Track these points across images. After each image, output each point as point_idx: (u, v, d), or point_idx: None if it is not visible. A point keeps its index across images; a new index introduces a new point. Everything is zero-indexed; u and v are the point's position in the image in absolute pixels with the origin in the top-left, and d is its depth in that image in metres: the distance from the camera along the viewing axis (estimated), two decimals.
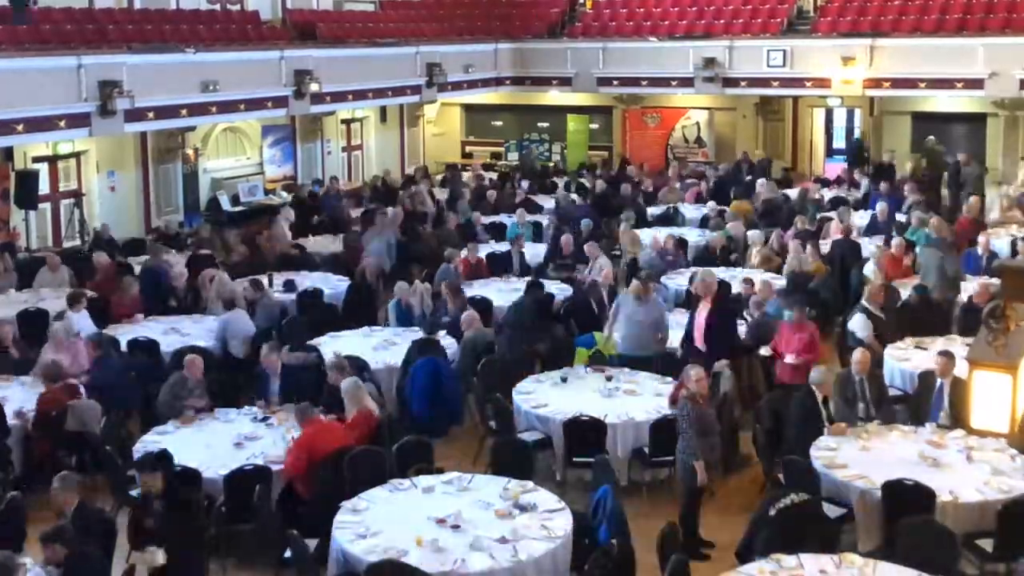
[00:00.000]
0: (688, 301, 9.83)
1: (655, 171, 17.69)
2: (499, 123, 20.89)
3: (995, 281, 9.13)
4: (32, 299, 10.30)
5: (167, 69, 12.85)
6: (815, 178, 16.82)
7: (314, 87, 14.60)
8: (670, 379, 7.58)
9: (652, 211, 14.64)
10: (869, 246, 11.44)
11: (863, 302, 8.75)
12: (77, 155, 13.69)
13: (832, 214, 13.12)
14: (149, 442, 6.87)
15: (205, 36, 14.48)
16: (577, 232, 11.97)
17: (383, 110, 18.74)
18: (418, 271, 11.04)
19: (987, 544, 5.76)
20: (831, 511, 6.04)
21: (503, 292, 10.50)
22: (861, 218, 13.34)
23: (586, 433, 6.95)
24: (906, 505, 5.78)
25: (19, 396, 7.71)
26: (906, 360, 8.25)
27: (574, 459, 7.07)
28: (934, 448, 6.53)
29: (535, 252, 12.02)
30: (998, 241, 11.75)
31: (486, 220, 13.79)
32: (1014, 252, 11.34)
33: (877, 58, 16.47)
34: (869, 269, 10.24)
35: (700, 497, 6.39)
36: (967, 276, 10.24)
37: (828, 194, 15.22)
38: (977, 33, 16.34)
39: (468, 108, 20.88)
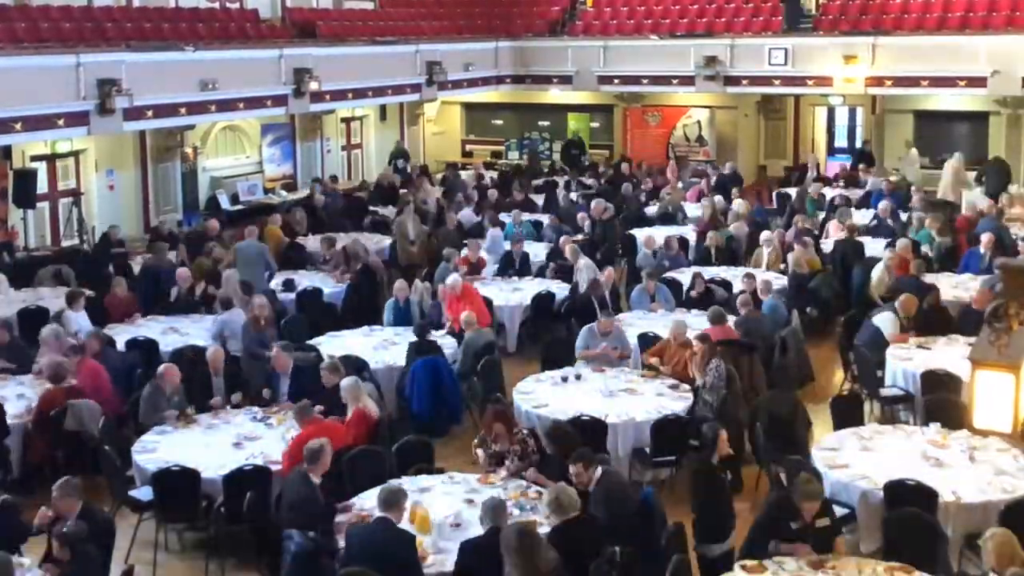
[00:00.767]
0: (688, 301, 9.82)
1: (656, 170, 17.63)
2: (499, 122, 20.86)
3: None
4: (32, 298, 10.28)
5: (166, 67, 12.83)
6: (816, 176, 16.77)
7: (313, 85, 14.57)
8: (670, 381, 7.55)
9: (652, 210, 14.61)
10: (872, 245, 11.41)
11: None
12: (76, 154, 13.67)
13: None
14: (148, 442, 6.84)
15: (204, 34, 14.45)
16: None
17: (383, 109, 18.71)
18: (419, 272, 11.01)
19: None
20: (836, 512, 5.94)
21: (503, 292, 10.49)
22: (863, 217, 13.32)
23: (587, 433, 6.90)
24: (908, 505, 5.74)
25: (17, 396, 7.67)
26: (908, 360, 8.22)
27: None
28: (936, 448, 6.50)
29: (535, 252, 11.98)
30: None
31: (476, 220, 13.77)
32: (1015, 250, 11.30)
33: (879, 56, 16.42)
34: (878, 271, 10.17)
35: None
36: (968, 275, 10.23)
37: (829, 193, 15.20)
38: (980, 31, 16.30)
39: (468, 107, 20.84)
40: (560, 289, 10.42)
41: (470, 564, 5.11)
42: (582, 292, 9.77)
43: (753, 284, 9.43)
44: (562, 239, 11.61)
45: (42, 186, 13.01)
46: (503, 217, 13.82)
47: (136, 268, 11.26)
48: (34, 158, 13.02)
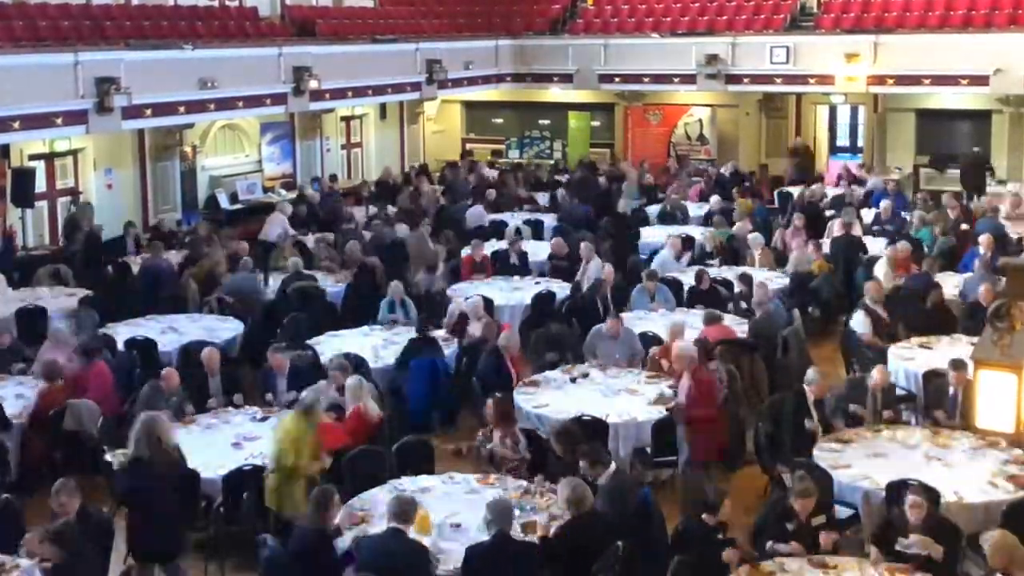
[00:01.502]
0: (691, 300, 9.77)
1: (657, 169, 17.58)
2: (500, 120, 20.79)
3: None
4: (30, 297, 10.24)
5: (165, 66, 12.78)
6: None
7: (313, 84, 14.51)
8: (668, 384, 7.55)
9: (653, 209, 14.57)
10: (875, 245, 11.37)
11: (864, 299, 8.68)
12: (74, 152, 13.61)
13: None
14: None
15: (203, 32, 14.42)
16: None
17: (383, 107, 18.64)
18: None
19: None
20: (840, 512, 5.98)
21: (504, 291, 10.44)
22: (865, 216, 13.30)
23: (588, 433, 6.84)
24: None
25: (16, 396, 7.65)
26: (911, 360, 8.21)
27: None
28: (939, 448, 6.50)
29: (535, 251, 11.94)
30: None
31: (488, 218, 13.72)
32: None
33: (881, 54, 16.36)
34: (880, 269, 10.14)
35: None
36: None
37: (831, 191, 15.16)
38: (982, 29, 16.25)
39: (468, 105, 20.78)
40: (561, 289, 10.36)
41: (477, 568, 5.07)
42: (585, 291, 9.72)
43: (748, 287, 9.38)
44: (554, 240, 11.55)
45: (40, 185, 12.96)
46: (507, 216, 13.80)
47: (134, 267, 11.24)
48: (32, 157, 12.96)
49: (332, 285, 10.71)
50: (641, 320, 9.27)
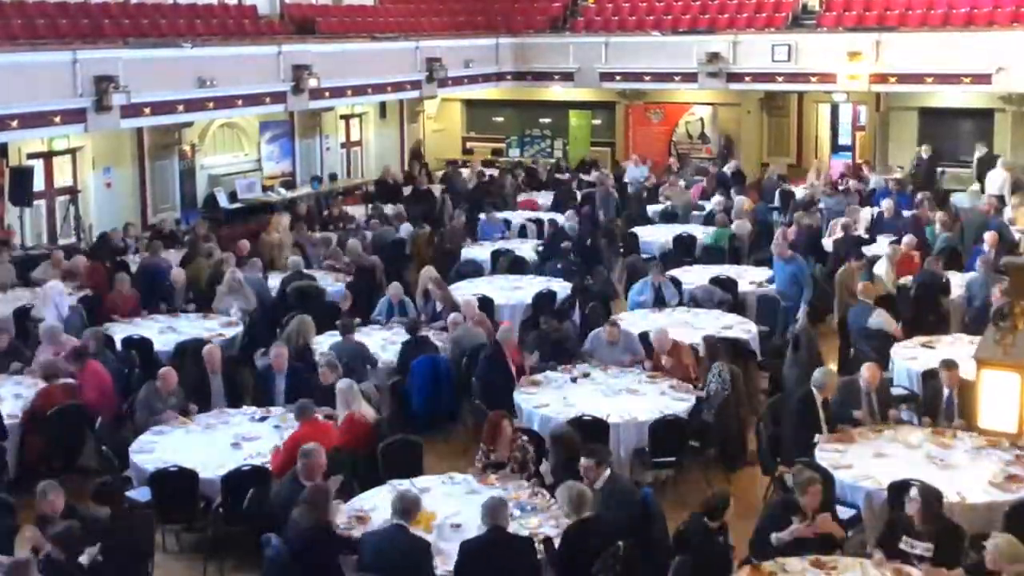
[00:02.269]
0: (693, 299, 9.73)
1: (659, 168, 17.52)
2: (500, 119, 20.75)
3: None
4: (28, 297, 10.20)
5: (164, 64, 12.76)
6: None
7: (313, 82, 14.47)
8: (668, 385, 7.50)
9: (654, 208, 14.52)
10: (878, 244, 11.32)
11: (861, 299, 8.63)
12: (72, 151, 13.57)
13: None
14: (145, 442, 6.79)
15: (202, 30, 14.40)
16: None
17: (383, 106, 18.61)
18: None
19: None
20: (842, 512, 5.94)
21: (504, 290, 10.39)
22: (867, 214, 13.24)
23: (588, 433, 6.80)
24: None
25: (15, 396, 7.62)
26: (913, 359, 8.16)
27: None
28: (941, 448, 6.47)
29: (529, 252, 11.92)
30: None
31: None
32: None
33: (883, 53, 16.30)
34: (881, 268, 10.09)
35: None
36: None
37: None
38: (985, 27, 16.18)
39: (469, 104, 20.74)
40: (562, 288, 10.31)
41: (471, 565, 5.05)
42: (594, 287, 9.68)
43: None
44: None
45: (39, 184, 12.93)
46: (507, 215, 13.75)
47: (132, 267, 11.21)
48: (31, 156, 12.92)
49: (332, 284, 10.66)
50: (643, 320, 9.23)
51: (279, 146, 16.74)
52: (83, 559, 5.12)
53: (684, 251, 12.14)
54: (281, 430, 6.89)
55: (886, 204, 12.92)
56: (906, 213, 12.96)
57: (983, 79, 15.64)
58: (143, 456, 6.58)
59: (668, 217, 14.02)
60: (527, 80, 19.13)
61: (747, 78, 17.35)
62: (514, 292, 10.39)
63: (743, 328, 8.86)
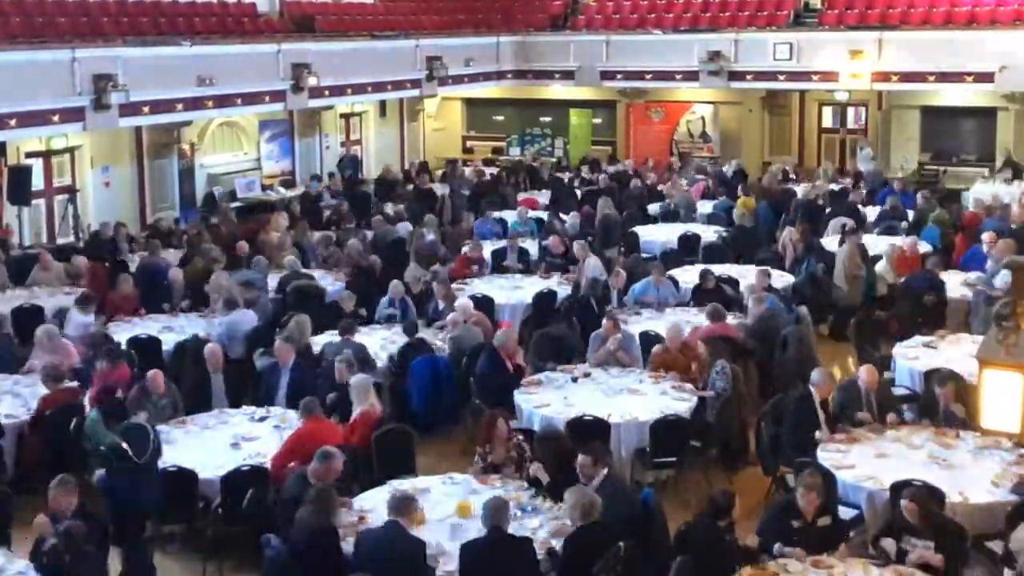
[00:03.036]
0: (696, 298, 9.69)
1: (661, 167, 17.48)
2: (500, 118, 20.71)
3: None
4: (27, 296, 10.19)
5: (162, 63, 12.74)
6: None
7: (312, 81, 14.45)
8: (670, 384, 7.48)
9: (656, 207, 14.47)
10: (880, 243, 11.27)
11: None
12: (71, 150, 13.56)
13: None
14: None
15: (201, 29, 14.38)
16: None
17: (383, 104, 18.57)
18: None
19: (997, 546, 5.61)
20: (844, 513, 5.93)
21: (503, 289, 10.35)
22: (870, 213, 13.20)
23: (589, 433, 6.76)
24: None
25: (13, 395, 7.59)
26: (915, 359, 8.13)
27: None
28: (944, 448, 6.44)
29: (535, 250, 11.87)
30: None
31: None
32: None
33: (885, 51, 16.25)
34: (881, 267, 10.04)
35: None
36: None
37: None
38: (987, 26, 16.13)
39: (469, 102, 20.70)
40: (563, 288, 10.28)
41: (472, 566, 5.03)
42: (583, 291, 9.64)
43: (766, 281, 9.28)
44: (551, 238, 11.47)
45: (37, 183, 12.92)
46: (508, 214, 13.70)
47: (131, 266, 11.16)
48: (29, 154, 12.91)
49: (331, 284, 10.62)
50: (645, 320, 9.19)
51: (279, 145, 16.71)
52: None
53: (688, 250, 12.09)
54: (281, 430, 6.87)
55: (890, 203, 12.88)
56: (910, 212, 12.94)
57: (986, 77, 15.59)
58: None
59: (669, 216, 13.98)
60: (527, 79, 19.09)
61: (748, 77, 17.31)
62: (514, 292, 10.35)
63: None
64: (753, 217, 13.07)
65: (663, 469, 7.01)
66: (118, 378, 7.38)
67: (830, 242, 11.69)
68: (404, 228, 12.74)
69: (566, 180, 16.66)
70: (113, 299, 9.74)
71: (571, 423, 6.89)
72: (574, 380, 7.75)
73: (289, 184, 16.40)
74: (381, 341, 8.75)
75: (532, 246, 11.88)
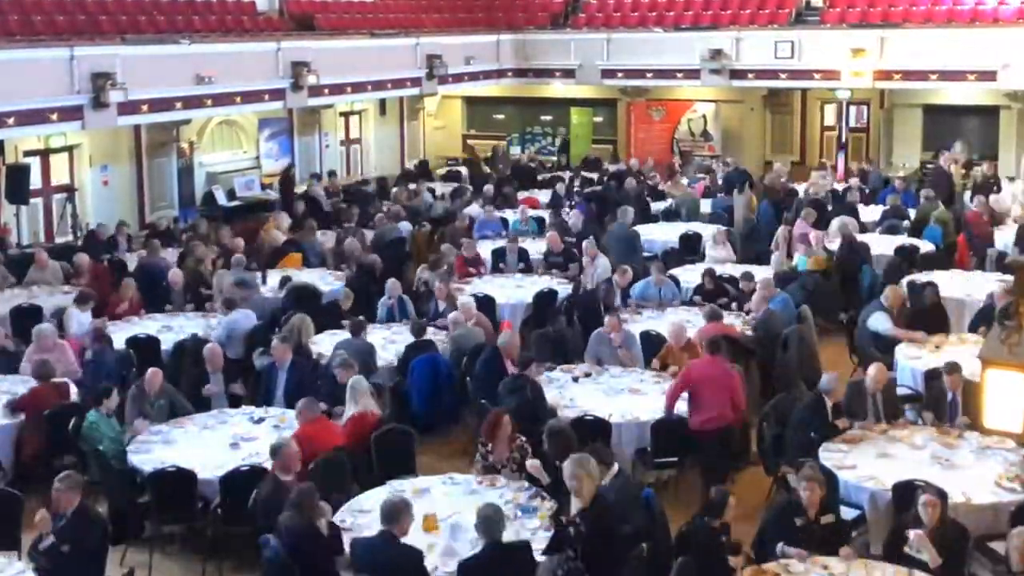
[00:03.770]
0: (698, 293, 9.65)
1: (662, 166, 17.43)
2: (501, 116, 20.67)
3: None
4: (25, 296, 10.16)
5: (161, 61, 12.70)
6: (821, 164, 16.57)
7: (312, 79, 14.40)
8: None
9: (658, 206, 14.42)
10: (881, 242, 11.23)
11: (881, 301, 8.52)
12: (69, 149, 13.51)
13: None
14: (143, 443, 6.73)
15: (200, 27, 14.34)
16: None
17: (382, 103, 18.53)
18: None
19: (1000, 547, 5.55)
20: (846, 513, 5.91)
21: (504, 288, 10.32)
22: (873, 213, 13.13)
23: (590, 433, 6.72)
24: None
25: (10, 395, 7.53)
26: (917, 359, 8.10)
27: None
28: (946, 448, 6.42)
29: (536, 249, 11.80)
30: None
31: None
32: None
33: (887, 49, 16.20)
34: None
35: None
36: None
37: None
38: (990, 24, 16.07)
39: (469, 101, 20.65)
40: (563, 287, 10.24)
41: None
42: (588, 290, 9.58)
43: (752, 285, 9.27)
44: (550, 235, 11.42)
45: (35, 182, 12.87)
46: (509, 213, 13.66)
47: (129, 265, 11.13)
48: (27, 153, 12.87)
49: (331, 284, 10.58)
50: (647, 319, 9.16)
51: (278, 143, 16.67)
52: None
53: (690, 250, 12.04)
54: (280, 430, 6.84)
55: (891, 202, 12.83)
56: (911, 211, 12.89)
57: (988, 76, 15.54)
58: (141, 456, 6.53)
59: (671, 216, 13.93)
60: (528, 77, 19.05)
61: (750, 75, 17.26)
62: (515, 291, 10.31)
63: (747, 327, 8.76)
64: (755, 215, 13.02)
65: (664, 469, 6.98)
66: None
67: (832, 242, 11.66)
68: (405, 228, 12.70)
69: (567, 179, 16.61)
70: (116, 302, 9.69)
71: (572, 423, 6.82)
72: (575, 380, 7.72)
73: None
74: (381, 341, 8.72)
75: (532, 246, 11.85)
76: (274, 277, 10.50)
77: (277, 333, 8.29)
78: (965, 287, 9.90)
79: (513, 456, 6.20)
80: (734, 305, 9.35)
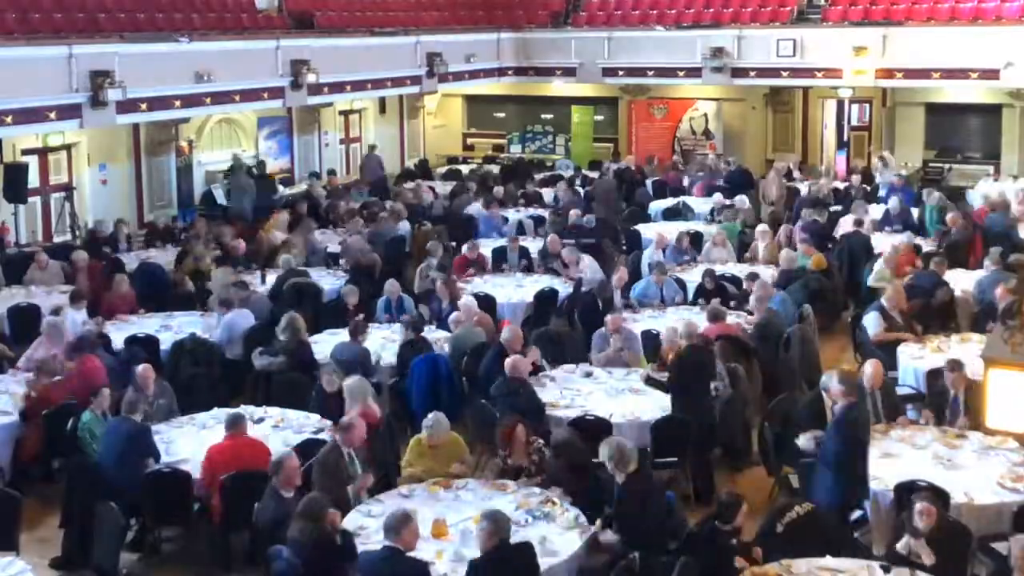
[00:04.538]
0: (699, 294, 9.60)
1: (664, 164, 17.35)
2: (501, 115, 20.60)
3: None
4: (23, 295, 10.13)
5: (160, 59, 12.64)
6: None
7: (311, 77, 14.35)
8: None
9: (658, 205, 14.36)
10: (884, 241, 11.16)
11: (881, 301, 8.47)
12: (68, 147, 13.48)
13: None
14: None
15: (199, 25, 14.29)
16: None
17: (382, 101, 18.49)
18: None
19: (1003, 547, 5.49)
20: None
21: (504, 288, 10.28)
22: (875, 211, 13.08)
23: (591, 433, 6.66)
24: None
25: (10, 394, 7.53)
26: (920, 359, 8.06)
27: None
28: (949, 448, 6.39)
29: (536, 248, 11.77)
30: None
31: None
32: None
33: (890, 48, 16.14)
34: (878, 267, 9.93)
35: None
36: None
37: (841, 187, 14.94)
38: (992, 22, 16.00)
39: (470, 99, 20.60)
40: (564, 286, 10.20)
41: None
42: (584, 291, 9.55)
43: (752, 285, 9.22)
44: (549, 238, 11.40)
45: (33, 180, 12.83)
46: (510, 212, 13.60)
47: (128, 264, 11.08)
48: (25, 152, 12.83)
49: (330, 283, 10.53)
50: (648, 318, 9.11)
51: (277, 142, 16.63)
52: None
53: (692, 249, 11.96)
54: (280, 430, 6.82)
55: (893, 202, 12.78)
56: (913, 209, 12.82)
57: (991, 74, 15.46)
58: None
59: (672, 214, 13.88)
60: (529, 75, 18.99)
61: (752, 73, 17.19)
62: (515, 291, 10.27)
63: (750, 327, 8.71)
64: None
65: (664, 469, 6.92)
66: (84, 372, 7.29)
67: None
68: (404, 227, 12.66)
69: (567, 178, 16.56)
70: (109, 299, 9.67)
71: (573, 423, 6.83)
72: (576, 380, 7.66)
73: (288, 182, 16.29)
74: (381, 340, 8.67)
75: (533, 245, 11.80)
76: (273, 277, 10.48)
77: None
78: (968, 286, 9.84)
79: (532, 460, 6.21)
80: (732, 304, 9.31)
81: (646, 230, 12.81)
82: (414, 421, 7.53)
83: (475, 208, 13.80)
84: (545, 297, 9.96)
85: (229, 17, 15.07)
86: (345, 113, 18.06)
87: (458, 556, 5.21)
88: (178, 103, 12.98)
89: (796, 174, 16.07)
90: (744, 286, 9.58)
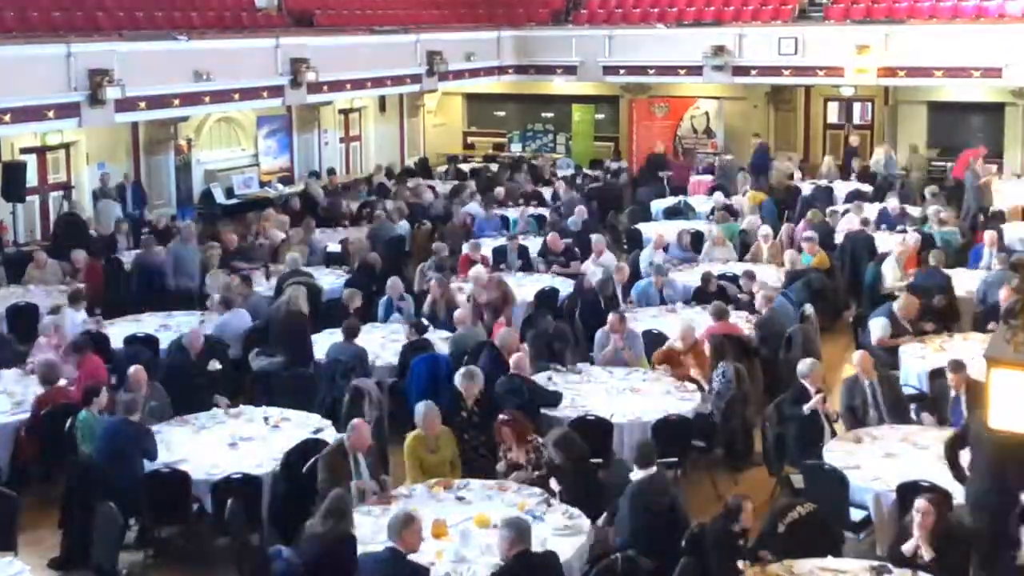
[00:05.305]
0: (698, 296, 9.55)
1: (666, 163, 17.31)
2: (502, 113, 20.56)
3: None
4: (21, 294, 10.11)
5: (159, 57, 12.63)
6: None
7: (311, 76, 14.34)
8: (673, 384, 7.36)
9: (659, 204, 14.32)
10: (887, 241, 11.12)
11: (893, 308, 8.41)
12: (66, 146, 13.47)
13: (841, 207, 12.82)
14: None
15: (198, 23, 14.27)
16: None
17: (382, 100, 18.46)
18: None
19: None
20: (853, 514, 5.86)
21: None
22: (874, 211, 13.04)
23: (592, 433, 6.66)
24: None
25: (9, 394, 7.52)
26: (922, 359, 8.01)
27: None
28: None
29: (535, 248, 11.73)
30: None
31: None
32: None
33: (892, 46, 16.09)
34: (888, 267, 9.88)
35: None
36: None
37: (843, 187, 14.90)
38: (995, 20, 15.97)
39: (470, 98, 20.56)
40: (564, 285, 10.16)
41: None
42: (591, 288, 9.51)
43: (751, 284, 9.19)
44: (550, 236, 11.34)
45: (32, 179, 12.81)
46: (510, 212, 13.56)
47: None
48: (24, 150, 12.81)
49: (331, 283, 10.50)
50: (650, 318, 9.08)
51: (277, 141, 16.60)
52: None
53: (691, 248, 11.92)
54: (279, 430, 6.79)
55: (892, 201, 12.74)
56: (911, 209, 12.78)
57: (993, 73, 15.42)
58: None
59: (672, 213, 13.83)
60: (529, 74, 18.96)
61: (753, 71, 17.15)
62: (516, 290, 10.21)
63: (751, 326, 8.67)
64: (758, 212, 12.93)
65: (665, 469, 6.88)
66: (88, 369, 7.28)
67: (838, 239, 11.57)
68: (403, 227, 12.62)
69: (568, 177, 16.52)
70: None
71: (574, 423, 6.78)
72: (576, 380, 7.61)
73: (287, 181, 16.26)
74: (381, 340, 8.63)
75: (533, 244, 11.76)
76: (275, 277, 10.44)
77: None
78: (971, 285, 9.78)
79: (530, 457, 6.19)
80: (732, 305, 9.26)
81: (647, 229, 12.79)
82: (413, 421, 7.50)
83: (474, 208, 13.77)
84: (545, 296, 9.92)
85: (228, 15, 15.05)
86: (345, 112, 18.03)
87: (458, 556, 5.18)
88: (177, 102, 12.98)
89: (797, 174, 16.03)
90: (741, 284, 9.54)
